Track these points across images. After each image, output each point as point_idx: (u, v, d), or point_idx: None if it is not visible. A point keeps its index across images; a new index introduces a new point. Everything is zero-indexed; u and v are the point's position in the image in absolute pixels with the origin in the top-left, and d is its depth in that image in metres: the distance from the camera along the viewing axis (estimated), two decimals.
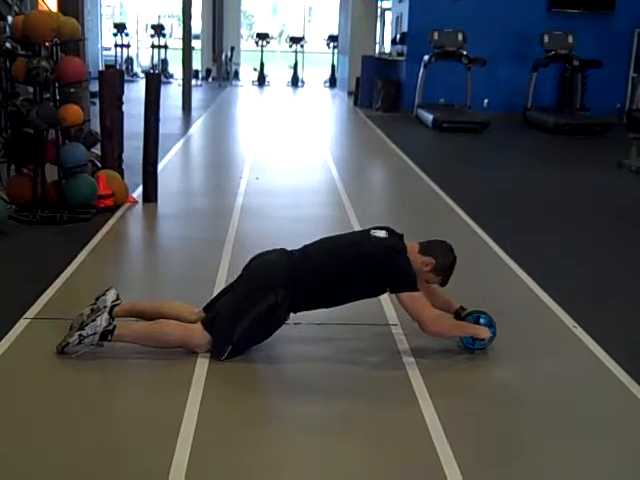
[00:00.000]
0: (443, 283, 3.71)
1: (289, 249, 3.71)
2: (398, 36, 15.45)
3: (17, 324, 3.79)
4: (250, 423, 2.99)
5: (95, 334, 3.41)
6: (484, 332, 3.62)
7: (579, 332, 3.96)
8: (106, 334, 3.43)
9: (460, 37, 13.36)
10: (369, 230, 3.69)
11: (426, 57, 13.50)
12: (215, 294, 3.77)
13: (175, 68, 20.68)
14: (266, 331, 3.54)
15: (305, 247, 3.71)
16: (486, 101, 14.27)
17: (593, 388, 3.44)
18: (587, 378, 3.53)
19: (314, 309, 3.65)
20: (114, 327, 3.45)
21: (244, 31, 34.78)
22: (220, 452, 2.76)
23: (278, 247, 3.76)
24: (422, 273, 3.59)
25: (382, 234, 3.63)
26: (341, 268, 3.55)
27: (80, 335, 3.40)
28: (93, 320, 3.43)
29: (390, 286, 3.55)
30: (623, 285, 4.89)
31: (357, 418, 3.07)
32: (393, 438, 2.92)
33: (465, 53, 13.28)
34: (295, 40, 23.74)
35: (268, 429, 2.95)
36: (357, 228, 5.89)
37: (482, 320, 3.69)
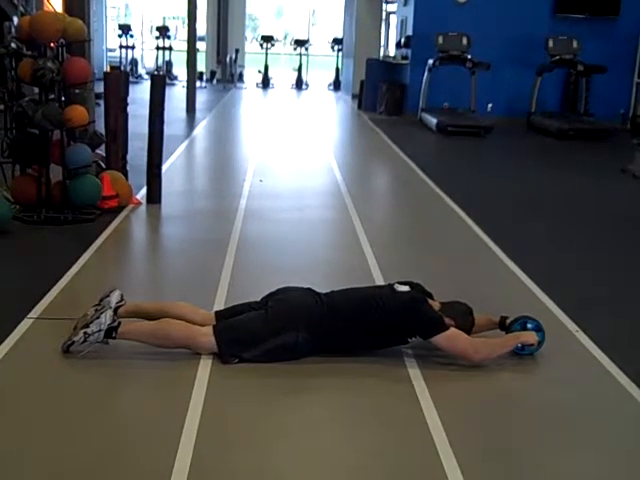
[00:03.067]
0: None
1: (316, 291, 3.71)
2: (403, 39, 15.45)
3: (21, 324, 3.80)
4: (252, 423, 2.99)
5: (100, 331, 3.42)
6: (531, 337, 3.64)
7: (581, 336, 3.97)
8: (111, 331, 3.44)
9: (465, 41, 13.37)
10: (393, 284, 3.74)
11: (430, 61, 13.51)
12: (219, 296, 3.78)
13: (179, 70, 20.72)
14: (278, 359, 3.52)
15: (331, 295, 3.71)
16: (490, 105, 14.27)
17: (594, 392, 3.44)
18: (589, 382, 3.53)
19: (333, 353, 3.64)
20: (119, 323, 3.47)
21: (249, 33, 34.84)
22: (223, 452, 2.77)
23: (305, 285, 3.77)
24: None
25: (405, 288, 3.69)
26: (366, 320, 3.56)
27: (85, 333, 3.42)
28: (97, 318, 3.45)
29: (421, 334, 3.57)
30: (625, 289, 4.89)
31: (359, 419, 3.07)
32: (394, 439, 2.92)
33: (469, 57, 13.28)
34: (299, 43, 23.77)
35: (270, 429, 2.96)
36: (360, 230, 5.91)
37: (529, 325, 3.70)
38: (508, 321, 3.77)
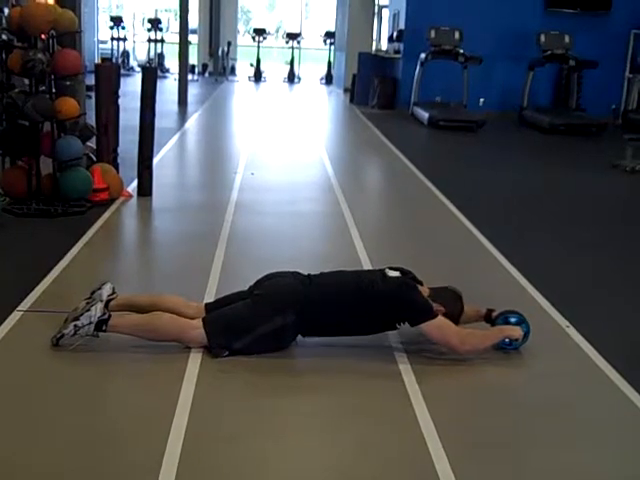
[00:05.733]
0: None
1: (304, 273, 3.71)
2: (395, 33, 15.44)
3: (10, 316, 3.78)
4: (242, 417, 2.99)
5: (90, 324, 3.41)
6: (515, 331, 3.64)
7: (572, 332, 3.98)
8: (101, 324, 3.43)
9: (457, 35, 13.36)
10: (384, 269, 3.72)
11: (423, 55, 13.50)
12: (210, 288, 3.78)
13: (171, 62, 20.65)
14: (268, 348, 3.53)
15: (320, 277, 3.70)
16: (482, 100, 14.28)
17: (585, 388, 3.45)
18: (579, 377, 3.54)
19: (321, 336, 3.65)
20: (109, 316, 3.46)
21: (241, 26, 34.75)
22: (212, 445, 2.77)
23: (291, 269, 3.75)
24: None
25: (396, 274, 3.68)
26: (355, 304, 3.56)
27: (75, 325, 3.41)
28: (88, 310, 3.44)
29: (409, 320, 3.56)
30: (616, 285, 4.91)
31: (349, 414, 3.07)
32: (385, 436, 2.92)
33: (462, 51, 13.28)
34: (292, 36, 23.72)
35: (260, 423, 2.95)
36: (351, 223, 5.91)
37: (512, 319, 3.70)
38: (494, 314, 3.77)
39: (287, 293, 3.57)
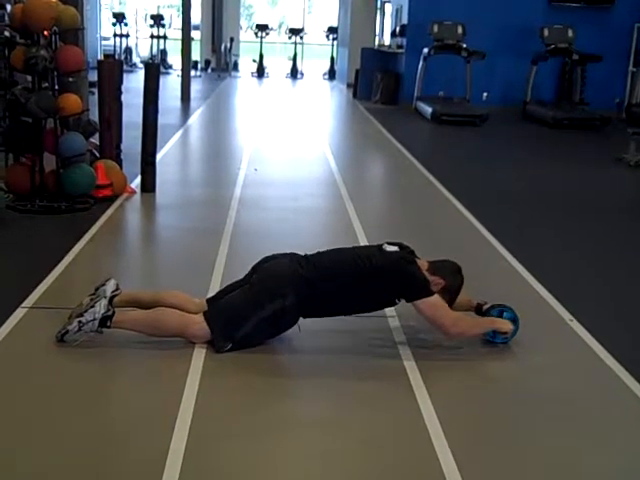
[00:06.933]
0: (450, 303, 3.66)
1: (301, 253, 3.70)
2: (398, 28, 15.42)
3: (14, 313, 3.79)
4: (247, 413, 2.99)
5: (94, 320, 3.42)
6: (506, 325, 3.62)
7: (575, 325, 3.97)
8: (105, 320, 3.43)
9: (460, 30, 13.34)
10: (382, 245, 3.69)
11: (425, 50, 13.47)
12: (214, 284, 3.78)
13: (174, 59, 20.63)
14: (271, 333, 3.55)
15: (317, 256, 3.69)
16: (485, 94, 14.26)
17: (589, 381, 3.44)
18: (583, 371, 3.54)
19: (322, 317, 3.65)
20: (113, 313, 3.46)
21: (243, 22, 34.71)
22: (216, 441, 2.77)
23: (288, 251, 3.75)
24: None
25: (394, 248, 3.65)
26: (353, 280, 3.54)
27: (79, 322, 3.41)
28: (92, 306, 3.44)
29: (405, 296, 3.54)
30: (619, 278, 4.90)
31: (353, 410, 3.07)
32: (390, 433, 2.92)
33: (465, 46, 13.25)
34: (294, 32, 23.70)
35: (264, 419, 2.95)
36: (355, 219, 5.91)
37: (506, 315, 3.69)
38: (485, 307, 3.75)
39: (284, 275, 3.55)
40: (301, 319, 3.58)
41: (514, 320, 3.68)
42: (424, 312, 3.51)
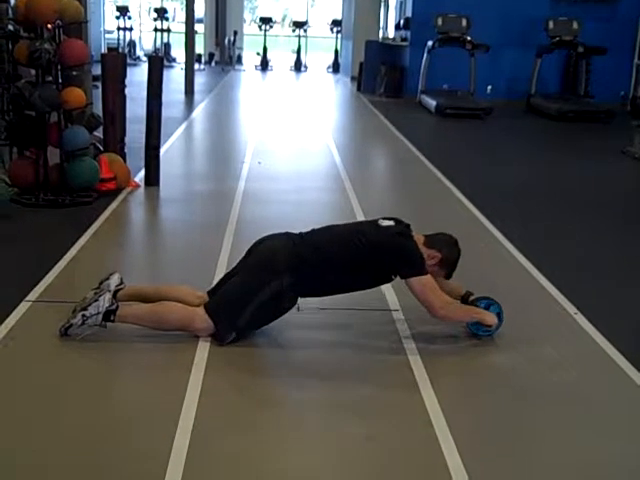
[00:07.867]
0: (447, 277, 3.69)
1: (294, 232, 3.69)
2: (402, 21, 15.37)
3: (19, 307, 3.79)
4: (251, 407, 2.99)
5: (98, 314, 3.42)
6: (492, 318, 3.61)
7: (580, 319, 3.96)
8: (109, 314, 3.44)
9: (464, 23, 13.29)
10: (377, 220, 3.68)
11: (430, 43, 13.43)
12: (217, 278, 3.78)
13: (178, 52, 20.61)
14: (271, 316, 3.55)
15: (311, 233, 3.69)
16: (490, 87, 14.22)
17: (593, 374, 3.44)
18: (587, 364, 3.53)
19: (319, 296, 3.65)
20: (117, 307, 3.46)
21: (247, 15, 34.67)
22: (220, 435, 2.77)
23: (282, 231, 3.75)
24: (427, 267, 3.57)
25: (390, 223, 3.63)
26: (349, 256, 3.53)
27: (83, 315, 3.41)
28: (96, 300, 3.44)
29: (398, 271, 3.53)
30: (624, 271, 4.89)
31: (357, 403, 3.07)
32: (393, 424, 2.91)
33: (469, 39, 13.20)
34: (298, 24, 23.66)
35: (268, 413, 2.96)
36: (359, 212, 5.90)
37: (492, 308, 3.67)
38: (471, 298, 3.73)
39: (280, 255, 3.54)
40: (300, 299, 3.59)
41: (499, 315, 3.67)
42: (415, 290, 3.50)
